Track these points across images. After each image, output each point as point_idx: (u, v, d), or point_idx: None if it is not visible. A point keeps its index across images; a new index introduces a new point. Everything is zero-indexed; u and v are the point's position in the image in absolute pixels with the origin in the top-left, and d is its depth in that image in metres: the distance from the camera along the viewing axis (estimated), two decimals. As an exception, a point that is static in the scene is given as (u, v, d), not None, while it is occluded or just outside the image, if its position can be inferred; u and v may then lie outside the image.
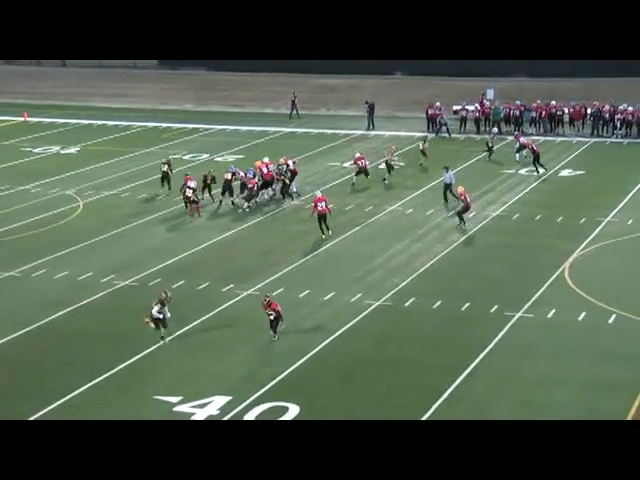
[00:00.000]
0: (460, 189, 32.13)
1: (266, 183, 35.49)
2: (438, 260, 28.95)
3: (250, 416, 19.56)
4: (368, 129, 48.94)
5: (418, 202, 35.18)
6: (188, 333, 23.92)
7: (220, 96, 59.12)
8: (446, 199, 34.77)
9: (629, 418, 19.14)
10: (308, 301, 25.82)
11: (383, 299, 25.76)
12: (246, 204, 34.23)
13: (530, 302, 25.29)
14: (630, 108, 45.64)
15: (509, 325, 23.93)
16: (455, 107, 48.97)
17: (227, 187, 34.94)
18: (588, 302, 25.29)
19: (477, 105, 47.72)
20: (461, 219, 31.88)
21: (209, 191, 35.19)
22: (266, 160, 35.87)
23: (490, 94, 50.00)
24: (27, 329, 24.22)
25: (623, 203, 34.58)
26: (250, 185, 34.52)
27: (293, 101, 52.25)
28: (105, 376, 21.55)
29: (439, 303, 25.37)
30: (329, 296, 26.06)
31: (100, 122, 52.28)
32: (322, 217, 31.21)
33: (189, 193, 33.97)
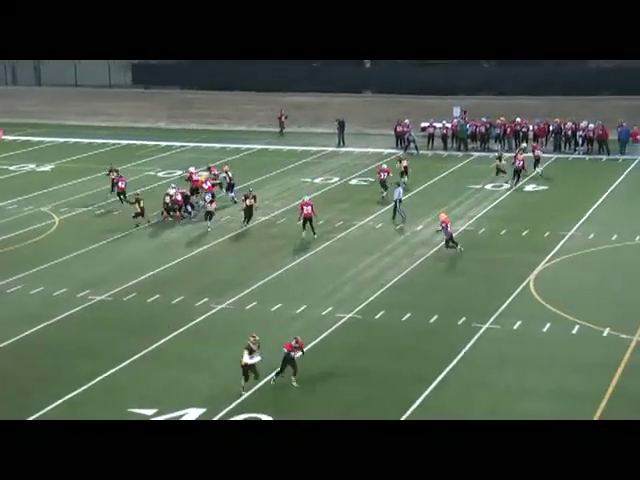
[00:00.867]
0: (443, 215, 30.98)
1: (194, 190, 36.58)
2: (407, 274, 29.06)
3: (224, 428, 19.56)
4: (338, 146, 49.09)
5: (387, 217, 35.27)
6: (163, 347, 23.84)
7: (193, 114, 59.08)
8: (394, 217, 34.78)
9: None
10: (280, 314, 25.82)
11: (353, 312, 25.80)
12: (208, 223, 33.92)
13: (497, 314, 25.43)
14: (591, 125, 46.07)
15: (477, 336, 24.05)
16: (423, 124, 49.24)
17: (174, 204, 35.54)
18: (553, 313, 25.47)
19: (445, 122, 48.14)
20: (455, 243, 30.60)
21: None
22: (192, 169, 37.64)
23: (457, 112, 50.33)
24: (3, 344, 24.04)
25: (585, 217, 34.88)
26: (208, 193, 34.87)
27: (280, 117, 52.29)
28: (81, 389, 21.41)
29: (408, 315, 25.45)
30: (300, 309, 26.07)
31: (74, 140, 52.09)
32: (308, 220, 32.36)
33: (167, 199, 34.94)
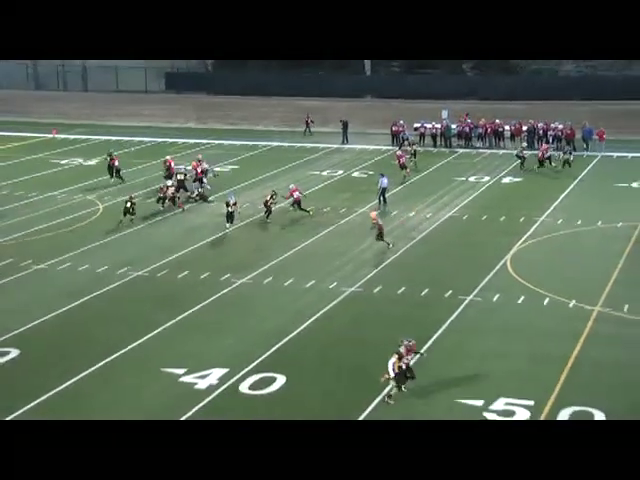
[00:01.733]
0: (373, 214, 29.93)
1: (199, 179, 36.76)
2: (401, 254, 28.94)
3: (245, 385, 19.52)
4: (343, 143, 48.83)
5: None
6: (191, 316, 23.81)
7: (218, 115, 58.84)
8: (380, 200, 34.69)
9: (561, 383, 19.23)
10: (293, 288, 25.76)
11: (355, 286, 25.72)
12: (228, 225, 31.89)
13: (478, 288, 25.32)
14: (560, 126, 45.82)
15: (461, 307, 23.97)
16: (415, 125, 48.97)
17: (181, 185, 35.71)
18: (526, 288, 25.37)
19: (434, 123, 47.95)
20: (383, 240, 28.84)
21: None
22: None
23: (445, 114, 50.04)
24: (54, 314, 24.04)
25: (554, 206, 34.69)
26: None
27: (306, 121, 51.94)
28: (120, 353, 21.42)
29: (403, 289, 25.36)
30: (310, 284, 26.00)
31: (115, 138, 51.91)
32: (297, 203, 32.69)
33: (172, 190, 34.68)
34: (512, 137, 46.74)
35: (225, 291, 25.59)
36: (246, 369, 20.28)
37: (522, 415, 17.33)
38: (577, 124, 45.65)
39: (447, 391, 19.09)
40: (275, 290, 25.57)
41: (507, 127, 47.09)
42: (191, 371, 20.22)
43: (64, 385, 19.69)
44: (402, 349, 18.24)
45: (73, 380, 19.93)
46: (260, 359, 20.84)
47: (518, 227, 31.68)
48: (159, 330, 22.73)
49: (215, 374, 20.07)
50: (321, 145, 48.61)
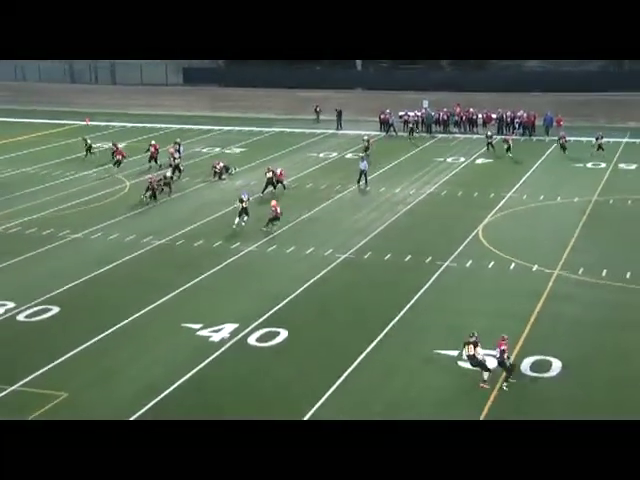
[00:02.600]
0: (273, 202, 28.27)
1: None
2: (388, 225, 28.80)
3: (252, 338, 19.48)
4: (337, 129, 48.45)
5: (373, 182, 34.90)
6: (205, 279, 23.70)
7: (228, 105, 58.29)
8: (359, 181, 34.14)
9: (524, 336, 19.21)
10: (294, 255, 25.64)
11: (348, 253, 25.61)
12: (237, 220, 28.49)
13: (454, 255, 25.22)
14: (525, 114, 45.53)
15: (439, 271, 23.87)
16: (400, 113, 48.56)
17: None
18: (496, 255, 25.27)
19: (416, 112, 47.56)
20: (268, 224, 27.77)
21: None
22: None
23: (425, 103, 49.64)
24: (88, 277, 23.92)
25: (520, 183, 34.48)
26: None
27: (316, 110, 51.19)
28: (144, 311, 21.33)
29: (389, 256, 25.25)
30: (309, 251, 25.88)
31: (140, 125, 51.46)
32: (279, 182, 32.79)
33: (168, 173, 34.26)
34: (484, 124, 46.43)
35: (235, 258, 25.47)
36: (254, 324, 20.23)
37: (491, 364, 17.28)
38: (539, 113, 45.28)
39: (426, 343, 19.06)
40: (278, 257, 25.46)
41: (480, 115, 46.79)
42: (206, 326, 20.17)
43: (100, 336, 19.64)
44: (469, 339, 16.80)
45: (106, 333, 19.87)
46: (265, 316, 20.77)
47: (489, 202, 31.50)
48: (178, 291, 22.64)
49: (227, 329, 20.01)
50: (318, 131, 48.22)
